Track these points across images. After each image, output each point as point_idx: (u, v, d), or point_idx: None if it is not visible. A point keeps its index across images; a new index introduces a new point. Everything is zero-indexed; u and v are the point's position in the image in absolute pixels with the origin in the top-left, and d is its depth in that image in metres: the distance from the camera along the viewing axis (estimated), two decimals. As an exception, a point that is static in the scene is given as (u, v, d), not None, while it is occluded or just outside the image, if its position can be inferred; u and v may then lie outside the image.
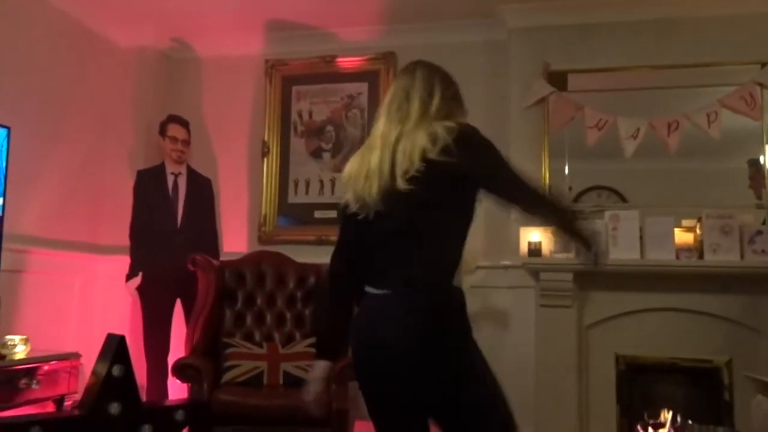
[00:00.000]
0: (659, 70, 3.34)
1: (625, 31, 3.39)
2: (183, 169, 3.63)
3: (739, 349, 2.95)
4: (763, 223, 3.07)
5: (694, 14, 3.30)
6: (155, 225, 3.48)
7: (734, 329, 2.99)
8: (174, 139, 3.58)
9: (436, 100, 1.65)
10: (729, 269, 2.95)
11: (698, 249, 3.04)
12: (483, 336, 3.47)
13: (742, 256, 2.95)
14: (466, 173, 1.57)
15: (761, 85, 3.16)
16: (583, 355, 3.13)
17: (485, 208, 3.86)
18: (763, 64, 3.18)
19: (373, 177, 1.59)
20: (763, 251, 2.94)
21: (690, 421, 2.24)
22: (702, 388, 3.04)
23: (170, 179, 3.58)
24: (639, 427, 2.73)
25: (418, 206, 1.54)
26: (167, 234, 3.48)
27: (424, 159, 1.53)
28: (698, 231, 3.06)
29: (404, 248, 1.57)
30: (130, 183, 3.59)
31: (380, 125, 1.66)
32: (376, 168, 1.58)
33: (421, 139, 1.55)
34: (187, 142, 3.63)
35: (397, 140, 1.59)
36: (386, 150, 1.59)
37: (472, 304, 3.58)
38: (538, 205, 1.70)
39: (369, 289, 1.62)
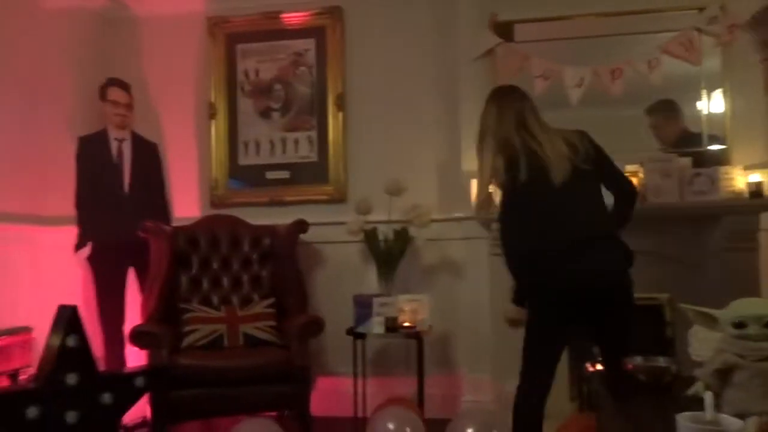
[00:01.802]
0: (603, 18, 3.38)
1: (569, -21, 3.40)
2: (127, 135, 3.53)
3: (680, 286, 3.10)
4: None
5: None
6: (102, 193, 3.40)
7: (675, 267, 3.14)
8: (115, 103, 3.47)
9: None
10: (670, 210, 3.09)
11: (641, 192, 3.15)
12: (440, 285, 3.59)
13: (681, 197, 3.09)
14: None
15: (699, 30, 3.24)
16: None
17: (435, 161, 3.91)
18: (701, 9, 3.25)
19: None
20: (701, 192, 3.08)
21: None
22: (647, 325, 3.19)
23: (114, 145, 3.48)
24: (587, 364, 2.87)
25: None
26: (115, 201, 3.40)
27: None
28: (641, 175, 3.16)
29: None
30: (72, 150, 3.47)
31: None
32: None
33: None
34: (129, 106, 3.52)
35: None
36: None
37: (429, 256, 3.67)
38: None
39: None
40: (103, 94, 3.48)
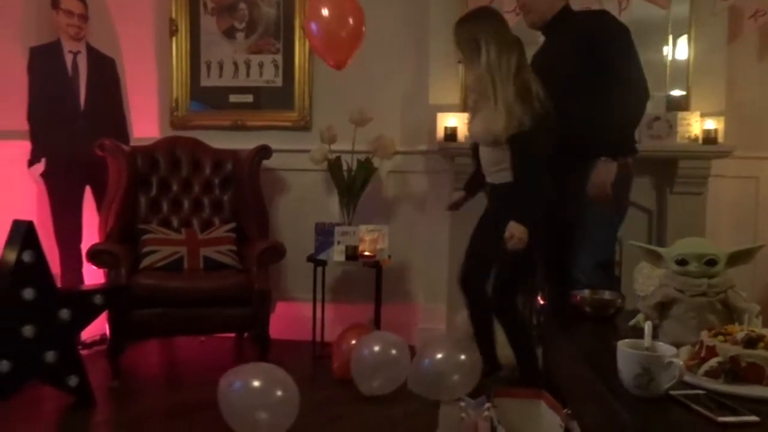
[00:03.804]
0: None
1: None
2: (82, 47, 3.37)
3: (630, 227, 3.22)
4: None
5: None
6: (56, 107, 3.27)
7: (630, 209, 3.26)
8: (69, 13, 3.29)
9: None
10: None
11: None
12: (401, 217, 3.63)
13: (639, 141, 3.16)
14: None
15: (671, -27, 3.23)
16: (493, 234, 3.32)
17: (402, 93, 3.86)
18: (675, -48, 3.24)
19: None
20: (658, 136, 3.16)
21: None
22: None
23: (68, 58, 3.33)
24: (539, 297, 3.01)
25: None
26: (70, 117, 3.28)
27: None
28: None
29: None
30: (22, 62, 3.30)
31: None
32: None
33: None
34: (84, 17, 3.35)
35: None
36: None
37: (392, 188, 3.70)
38: None
39: None
40: (55, 2, 3.29)
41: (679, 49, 3.34)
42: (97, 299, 2.62)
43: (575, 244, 2.45)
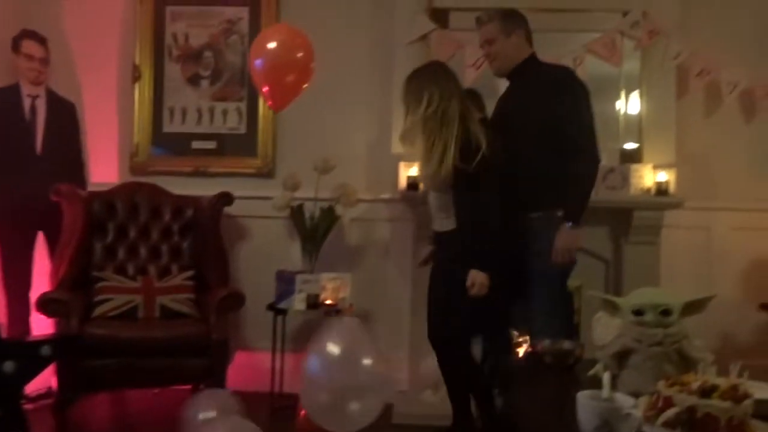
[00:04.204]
0: (534, 13, 3.43)
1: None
2: (41, 91, 3.33)
3: (588, 276, 3.28)
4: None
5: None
6: (11, 151, 3.20)
7: (586, 258, 3.32)
8: (29, 57, 3.26)
9: None
10: (584, 204, 3.25)
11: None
12: (364, 265, 3.62)
13: (595, 192, 3.25)
14: None
15: (622, 33, 3.40)
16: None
17: (365, 142, 3.92)
18: (625, 13, 3.41)
19: None
20: (613, 187, 3.26)
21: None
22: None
23: (27, 101, 3.28)
24: (526, 344, 2.99)
25: None
26: (25, 161, 3.21)
27: None
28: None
29: None
30: (-22, 104, 3.24)
31: None
32: None
33: None
34: (45, 61, 3.32)
35: None
36: None
37: (355, 236, 3.69)
38: None
39: None
40: (16, 46, 3.26)
41: (631, 104, 3.49)
42: (45, 350, 2.50)
43: (525, 293, 2.46)
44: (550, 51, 3.38)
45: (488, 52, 2.58)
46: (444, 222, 2.51)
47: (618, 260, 3.35)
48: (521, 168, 2.41)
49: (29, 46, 3.27)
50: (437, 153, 2.38)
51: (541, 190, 2.39)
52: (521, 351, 2.76)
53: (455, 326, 2.50)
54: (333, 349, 2.21)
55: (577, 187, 2.40)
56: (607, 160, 3.36)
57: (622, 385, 1.54)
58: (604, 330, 1.79)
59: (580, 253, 3.25)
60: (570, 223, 2.36)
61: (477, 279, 2.36)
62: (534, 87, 2.48)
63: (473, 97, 2.77)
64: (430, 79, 2.47)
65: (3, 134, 3.22)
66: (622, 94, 3.49)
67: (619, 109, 3.50)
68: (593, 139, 2.42)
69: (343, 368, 2.17)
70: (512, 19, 2.54)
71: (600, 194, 3.19)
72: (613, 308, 1.67)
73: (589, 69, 3.37)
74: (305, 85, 2.97)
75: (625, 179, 3.26)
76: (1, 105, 3.25)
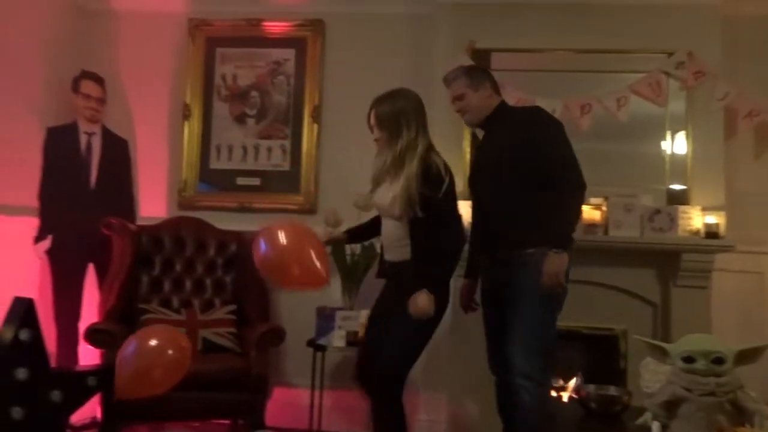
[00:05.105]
0: (577, 55, 3.49)
1: (548, 12, 3.49)
2: (97, 129, 3.48)
3: (634, 319, 3.19)
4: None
5: (611, 2, 3.46)
6: (67, 186, 3.34)
7: (633, 301, 3.24)
8: (87, 97, 3.42)
9: None
10: (629, 244, 3.18)
11: (603, 225, 3.24)
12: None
13: (641, 233, 3.19)
14: None
15: (667, 73, 3.37)
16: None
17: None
18: (670, 54, 3.39)
19: None
20: (660, 229, 3.18)
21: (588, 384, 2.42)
22: (601, 355, 3.28)
23: (83, 138, 3.43)
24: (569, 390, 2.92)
25: None
26: (80, 196, 3.34)
27: None
28: (604, 209, 3.26)
29: None
30: (39, 141, 3.40)
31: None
32: None
33: None
34: (101, 101, 3.48)
35: None
36: None
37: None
38: None
39: None
40: (75, 87, 3.44)
41: (677, 144, 3.43)
42: (91, 381, 2.54)
43: (512, 332, 2.40)
44: (594, 92, 3.41)
45: (459, 107, 2.63)
46: (398, 251, 2.49)
47: (666, 304, 3.24)
48: (510, 208, 2.42)
49: (88, 86, 3.43)
50: (403, 182, 2.40)
51: (533, 227, 2.37)
52: (564, 396, 2.68)
53: (401, 358, 2.43)
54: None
55: (563, 214, 2.38)
56: (653, 201, 3.31)
57: (672, 435, 1.49)
58: (652, 376, 1.73)
59: (626, 295, 3.22)
60: (556, 249, 2.32)
61: (420, 302, 2.31)
62: (509, 130, 2.51)
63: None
64: (408, 107, 2.49)
65: (60, 169, 3.36)
66: (668, 135, 3.44)
67: (665, 150, 3.44)
68: (576, 168, 2.41)
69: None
70: (477, 74, 2.61)
71: (647, 235, 3.12)
72: (661, 354, 1.63)
73: (633, 109, 3.35)
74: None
75: (673, 221, 3.19)
76: (60, 142, 3.40)
